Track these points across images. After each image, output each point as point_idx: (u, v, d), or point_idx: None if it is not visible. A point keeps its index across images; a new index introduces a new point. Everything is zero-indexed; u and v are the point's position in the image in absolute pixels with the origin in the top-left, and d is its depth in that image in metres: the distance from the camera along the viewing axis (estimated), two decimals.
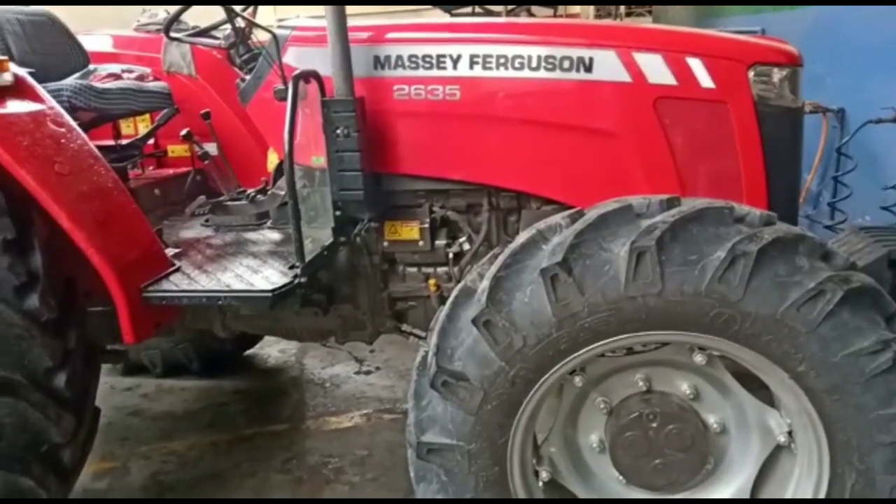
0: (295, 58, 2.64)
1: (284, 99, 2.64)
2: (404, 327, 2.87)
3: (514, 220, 2.77)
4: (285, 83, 2.62)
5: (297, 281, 2.33)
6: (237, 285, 2.33)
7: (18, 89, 2.32)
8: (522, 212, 2.68)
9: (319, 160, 2.72)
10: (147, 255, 2.42)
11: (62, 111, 2.40)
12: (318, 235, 2.80)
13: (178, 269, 2.48)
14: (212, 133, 3.06)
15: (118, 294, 2.23)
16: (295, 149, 2.82)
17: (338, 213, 2.57)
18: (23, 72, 2.35)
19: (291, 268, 2.40)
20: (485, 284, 1.90)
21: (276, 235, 2.86)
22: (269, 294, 2.27)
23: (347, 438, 3.60)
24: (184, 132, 2.94)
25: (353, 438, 3.59)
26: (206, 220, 3.03)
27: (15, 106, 2.27)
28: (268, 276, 2.40)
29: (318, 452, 3.47)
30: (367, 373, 4.33)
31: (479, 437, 1.96)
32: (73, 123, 2.41)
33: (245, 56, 2.94)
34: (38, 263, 2.28)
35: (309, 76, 2.48)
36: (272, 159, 2.98)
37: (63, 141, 2.31)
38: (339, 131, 2.46)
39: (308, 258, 2.40)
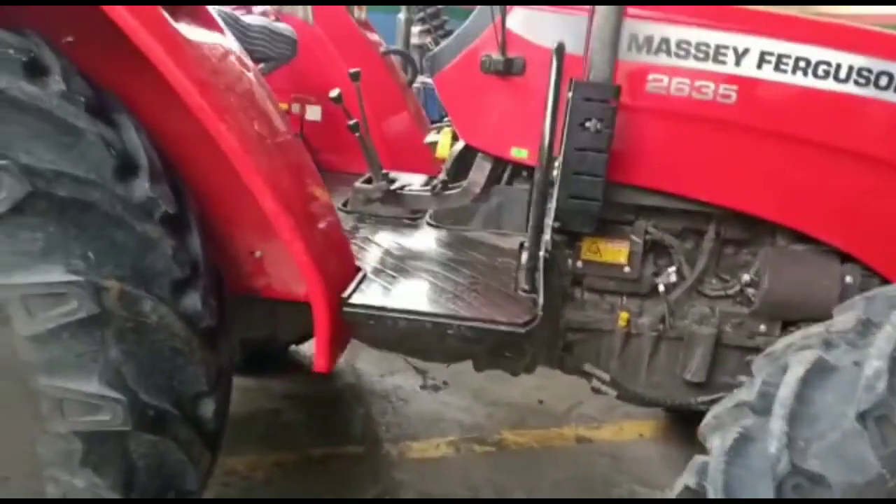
0: (524, 24, 2.10)
1: (496, 72, 2.11)
2: (587, 367, 2.36)
3: (731, 254, 2.32)
4: (504, 52, 2.10)
5: (540, 314, 1.80)
6: (461, 311, 1.77)
7: (194, 11, 1.68)
8: (764, 248, 2.22)
9: (522, 153, 2.20)
10: (341, 254, 1.83)
11: (241, 48, 1.78)
12: (506, 245, 2.27)
13: (364, 275, 1.90)
14: (359, 99, 2.44)
15: (320, 305, 1.64)
16: (485, 136, 2.30)
17: (557, 223, 2.05)
18: None
19: (521, 291, 1.86)
20: (878, 366, 1.42)
21: (440, 235, 2.30)
22: (522, 330, 1.73)
23: (440, 472, 3.07)
24: (334, 93, 2.32)
25: (448, 472, 3.07)
26: (344, 204, 2.42)
27: (199, 33, 1.63)
28: (492, 301, 1.85)
29: (413, 489, 2.93)
30: (436, 388, 3.79)
31: None
32: (253, 66, 1.79)
33: (431, 11, 2.34)
34: (197, 250, 1.66)
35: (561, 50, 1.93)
36: (445, 143, 2.41)
37: (252, 90, 1.69)
38: (589, 125, 1.93)
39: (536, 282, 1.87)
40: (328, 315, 1.66)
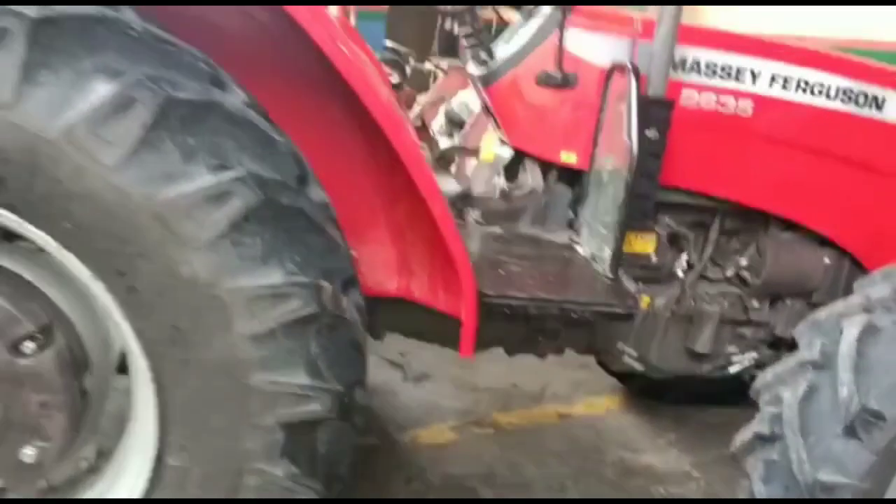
0: (578, 42, 2.39)
1: (553, 85, 2.39)
2: (619, 346, 2.67)
3: (726, 243, 2.75)
4: (561, 67, 2.38)
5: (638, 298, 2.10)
6: (579, 298, 2.02)
7: None
8: (759, 237, 2.67)
9: (570, 157, 2.50)
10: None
11: None
12: (559, 241, 2.55)
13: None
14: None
15: (470, 296, 1.83)
16: (536, 141, 2.57)
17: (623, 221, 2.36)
18: None
19: (606, 279, 2.15)
20: None
21: (496, 231, 2.53)
22: (635, 312, 2.02)
23: (454, 455, 3.29)
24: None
25: (461, 455, 3.29)
26: None
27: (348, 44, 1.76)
28: (591, 289, 2.11)
29: (437, 472, 3.13)
30: (417, 380, 3.99)
31: (872, 476, 1.91)
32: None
33: (470, 33, 2.56)
34: (349, 251, 1.80)
35: (621, 69, 2.25)
36: (488, 149, 2.63)
37: (398, 100, 1.84)
38: (649, 133, 2.26)
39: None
40: (475, 305, 1.85)
